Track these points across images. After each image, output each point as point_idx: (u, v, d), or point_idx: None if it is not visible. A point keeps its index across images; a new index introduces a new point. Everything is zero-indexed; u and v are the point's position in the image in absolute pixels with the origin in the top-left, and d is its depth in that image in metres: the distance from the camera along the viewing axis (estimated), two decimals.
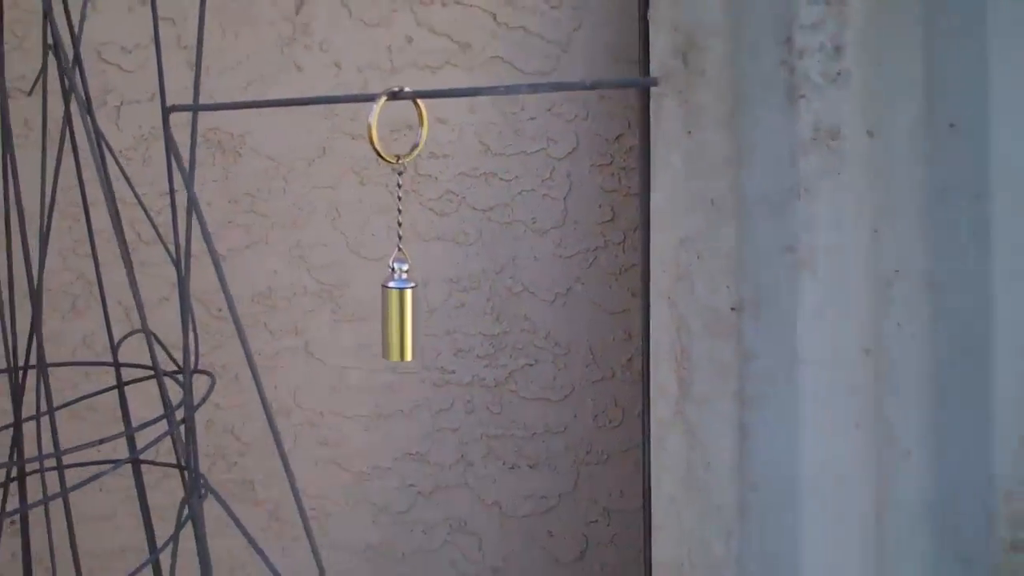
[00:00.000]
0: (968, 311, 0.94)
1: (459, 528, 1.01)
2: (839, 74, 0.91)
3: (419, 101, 0.58)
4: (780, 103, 0.94)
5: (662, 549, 0.95)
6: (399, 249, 0.61)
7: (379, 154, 0.55)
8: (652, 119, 0.97)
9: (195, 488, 0.67)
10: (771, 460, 0.95)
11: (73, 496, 0.73)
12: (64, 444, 0.80)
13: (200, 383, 0.70)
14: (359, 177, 0.94)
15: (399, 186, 0.61)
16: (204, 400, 0.69)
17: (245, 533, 0.63)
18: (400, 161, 0.57)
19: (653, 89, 0.97)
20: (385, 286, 0.62)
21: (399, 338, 0.61)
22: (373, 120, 0.58)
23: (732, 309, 0.98)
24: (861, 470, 0.94)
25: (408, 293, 0.61)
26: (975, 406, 0.95)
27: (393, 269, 0.61)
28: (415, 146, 0.58)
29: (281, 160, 0.95)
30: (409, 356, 0.60)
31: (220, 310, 0.97)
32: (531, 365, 0.99)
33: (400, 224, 0.58)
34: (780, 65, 0.92)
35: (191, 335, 0.68)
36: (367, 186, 0.94)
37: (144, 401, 0.78)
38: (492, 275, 0.97)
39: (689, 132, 0.97)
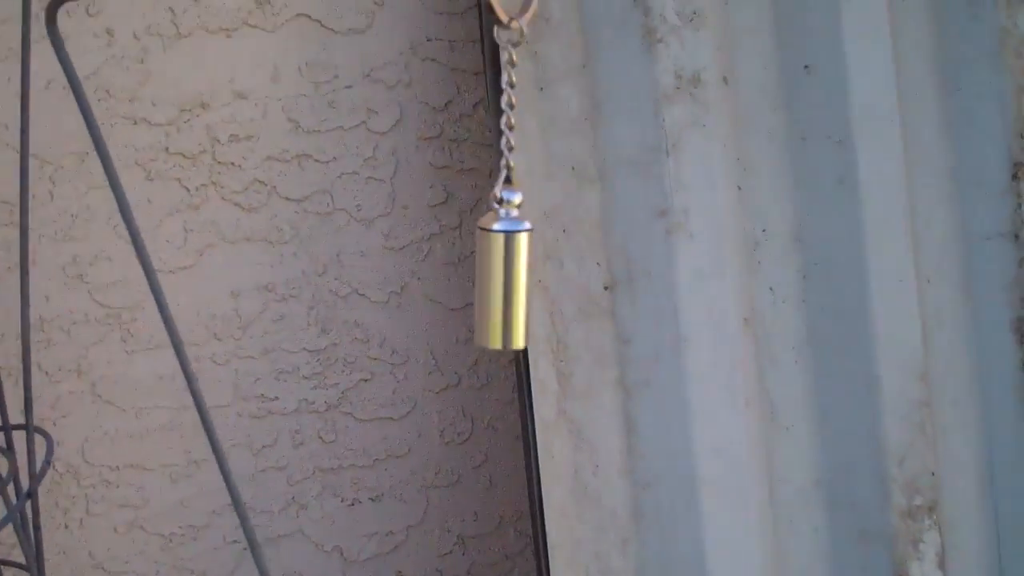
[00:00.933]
0: (840, 266, 1.06)
1: None
2: (695, 14, 1.01)
3: None
4: (636, 49, 1.03)
5: (560, 570, 1.01)
6: (508, 171, 0.52)
7: (493, 9, 0.48)
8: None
9: None
10: (662, 453, 1.04)
11: None
12: None
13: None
14: (145, 171, 0.93)
15: (511, 63, 0.52)
16: (47, 466, 0.66)
17: None
18: (515, 22, 0.51)
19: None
20: (485, 229, 0.52)
21: (505, 312, 0.51)
22: None
23: (605, 287, 1.05)
24: (752, 450, 1.04)
25: (522, 239, 0.51)
26: (858, 371, 1.08)
27: (500, 201, 0.52)
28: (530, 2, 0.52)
29: (45, 156, 0.91)
30: (521, 341, 0.52)
31: None
32: (366, 380, 1.02)
33: (511, 128, 0.50)
34: (633, 5, 1.00)
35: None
36: (156, 181, 0.93)
37: None
38: (314, 278, 0.99)
39: (541, 88, 1.04)
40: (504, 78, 0.51)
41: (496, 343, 0.53)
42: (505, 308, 0.52)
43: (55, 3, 0.60)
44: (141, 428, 1.02)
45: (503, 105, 0.50)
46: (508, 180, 0.51)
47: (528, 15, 0.51)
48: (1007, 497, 1.11)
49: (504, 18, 0.49)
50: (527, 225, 0.52)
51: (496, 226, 0.51)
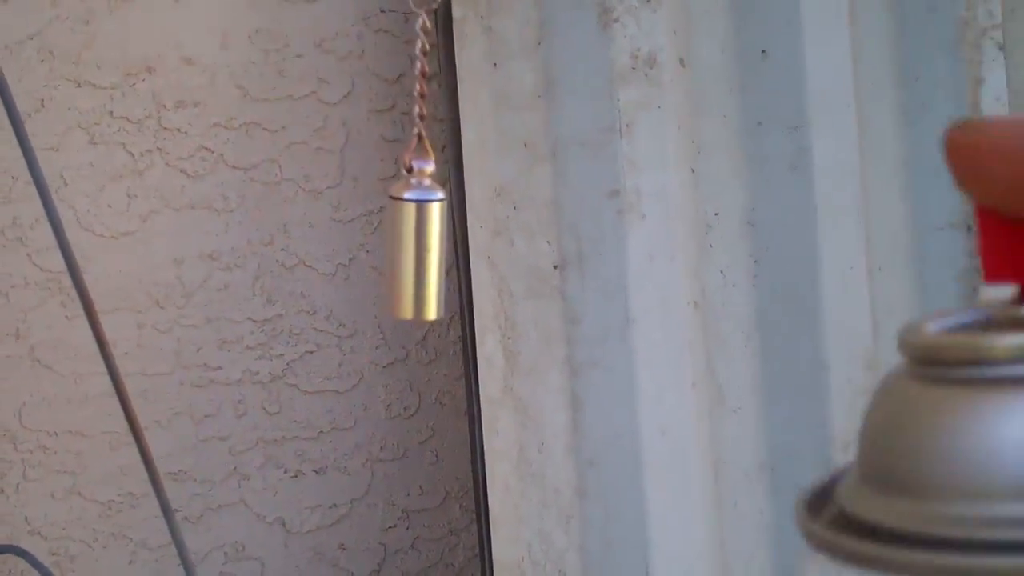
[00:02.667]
0: (791, 252, 1.06)
1: (236, 555, 1.01)
2: None
3: None
4: (592, 28, 1.02)
5: (502, 546, 1.01)
6: (419, 139, 0.51)
7: None
8: (456, 49, 1.02)
9: None
10: (608, 432, 1.04)
11: None
12: None
13: None
14: (88, 134, 0.92)
15: (425, 31, 0.50)
16: None
17: None
18: None
19: (455, 14, 1.01)
20: (396, 197, 0.52)
21: (417, 282, 0.51)
22: None
23: (555, 267, 1.04)
24: (698, 432, 1.04)
25: (434, 208, 0.51)
26: (806, 357, 1.08)
27: (411, 169, 0.51)
28: None
29: None
30: (433, 312, 0.51)
31: None
32: (312, 352, 1.02)
33: (422, 95, 0.49)
34: None
35: None
36: (100, 145, 0.92)
37: None
38: (260, 247, 0.98)
39: (495, 64, 1.03)
40: (418, 45, 0.50)
41: (407, 313, 0.52)
42: (417, 278, 0.51)
43: None
44: (80, 394, 1.01)
45: (416, 71, 0.50)
46: (421, 148, 0.50)
47: None
48: None
49: None
50: (439, 195, 0.51)
51: (407, 195, 0.51)
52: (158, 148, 1.00)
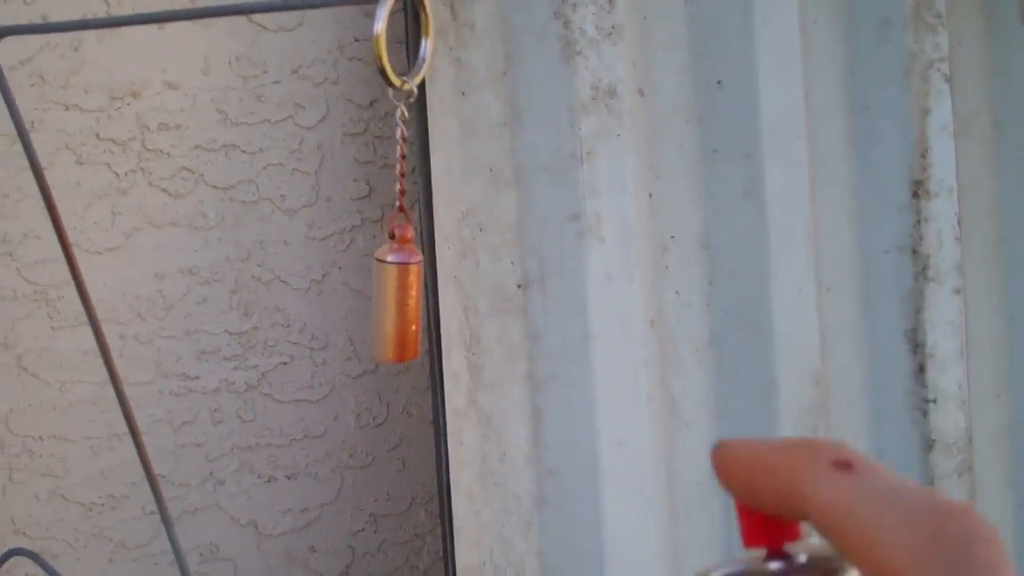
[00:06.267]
0: (744, 273, 1.13)
1: (211, 555, 1.08)
2: (614, 28, 1.07)
3: (425, 3, 0.58)
4: (556, 60, 1.09)
5: (465, 550, 1.08)
6: (400, 209, 0.58)
7: (386, 75, 0.54)
8: (426, 80, 1.08)
9: None
10: (567, 443, 1.11)
11: None
12: None
13: None
14: (76, 155, 0.98)
15: (404, 120, 0.58)
16: None
17: None
18: (407, 85, 0.57)
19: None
20: (381, 260, 0.59)
21: (398, 331, 0.58)
22: (381, 28, 0.55)
23: (518, 286, 1.12)
24: (653, 444, 1.12)
25: (413, 270, 0.58)
26: (757, 374, 1.16)
27: (392, 236, 0.58)
28: (421, 61, 0.57)
29: None
30: (411, 354, 0.59)
31: None
32: (285, 363, 1.08)
33: (402, 174, 0.57)
34: (554, 17, 1.06)
35: None
36: (86, 166, 0.99)
37: None
38: (237, 263, 1.05)
39: (463, 93, 1.10)
40: (398, 132, 0.57)
41: (389, 357, 0.60)
42: (397, 328, 0.59)
43: (1, 32, 0.66)
44: (64, 401, 1.08)
45: (397, 154, 0.57)
46: (402, 218, 0.58)
47: (418, 77, 0.57)
48: None
49: (396, 82, 0.56)
50: (418, 257, 0.59)
51: (390, 258, 0.59)
52: (141, 168, 1.07)
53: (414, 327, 0.60)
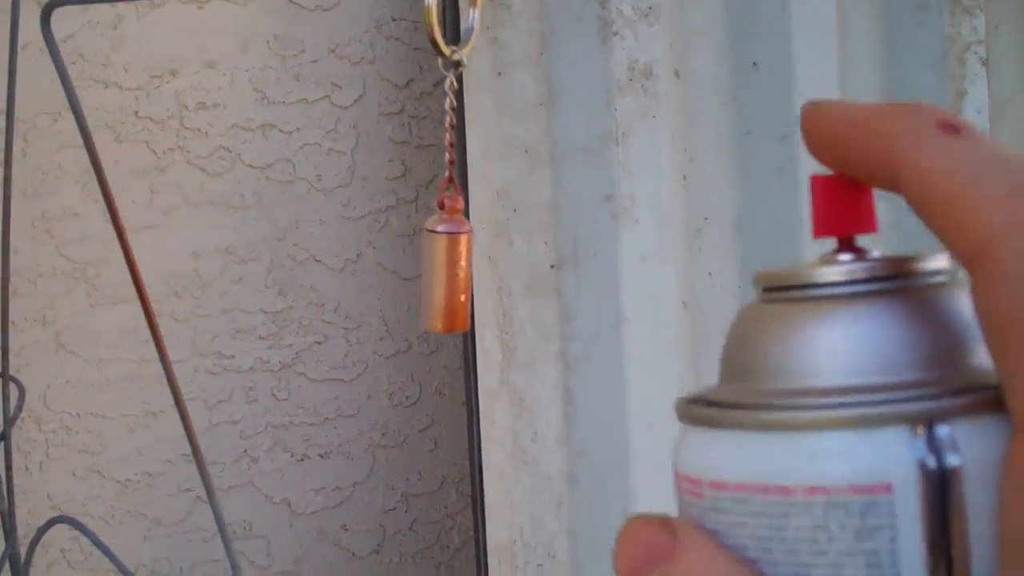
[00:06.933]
0: (777, 256, 1.13)
1: (244, 532, 1.09)
2: (651, 9, 1.07)
3: None
4: (593, 40, 1.09)
5: (496, 529, 1.08)
6: (451, 180, 0.58)
7: (437, 44, 0.54)
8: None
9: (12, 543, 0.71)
10: (598, 424, 1.12)
11: None
12: None
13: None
14: (115, 133, 0.99)
15: (453, 90, 0.58)
16: (19, 411, 0.73)
17: None
18: (456, 54, 0.57)
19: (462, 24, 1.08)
20: (431, 230, 0.58)
21: (448, 300, 0.58)
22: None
23: (552, 266, 1.12)
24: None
25: (462, 240, 0.58)
26: None
27: (442, 206, 0.58)
28: (469, 31, 0.57)
29: (19, 115, 0.97)
30: (461, 325, 0.59)
31: None
32: (319, 343, 1.09)
33: (451, 144, 0.57)
34: None
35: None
36: (124, 144, 1.00)
37: None
38: (273, 242, 1.06)
39: (499, 73, 1.09)
40: (447, 102, 0.58)
41: (439, 327, 0.60)
42: (447, 298, 0.59)
43: (50, 5, 0.66)
44: (102, 378, 1.09)
45: (446, 124, 0.57)
46: (452, 188, 0.58)
47: (467, 47, 0.58)
48: None
49: (447, 52, 0.56)
50: (467, 227, 0.59)
51: (440, 228, 0.59)
52: (180, 147, 1.08)
53: (463, 297, 0.60)
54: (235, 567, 0.69)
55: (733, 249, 1.13)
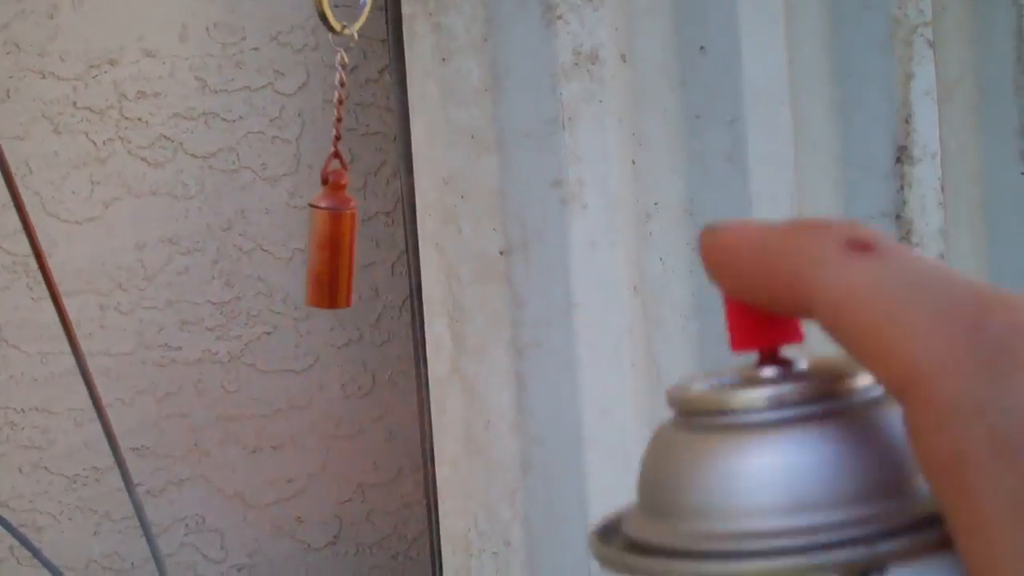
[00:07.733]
0: None
1: (197, 527, 1.08)
2: None
3: None
4: (537, 25, 1.08)
5: (450, 519, 1.07)
6: (336, 155, 0.57)
7: (326, 18, 0.54)
8: (405, 44, 1.07)
9: None
10: (551, 410, 1.11)
11: None
12: None
13: None
14: (53, 124, 0.98)
15: (343, 65, 0.57)
16: None
17: None
18: (347, 30, 0.57)
19: (404, 11, 1.07)
20: (315, 206, 0.59)
21: (331, 277, 0.58)
22: None
23: (501, 253, 1.11)
24: (637, 412, 1.11)
25: (346, 217, 0.58)
26: None
27: (326, 182, 0.58)
28: (363, 5, 0.57)
29: None
30: (344, 302, 0.58)
31: None
32: (269, 333, 1.08)
33: (339, 119, 0.57)
34: None
35: None
36: (64, 135, 0.98)
37: None
38: (218, 232, 1.04)
39: (443, 59, 1.08)
40: (336, 77, 0.57)
41: (321, 303, 0.59)
42: (331, 274, 0.57)
43: None
44: (46, 372, 1.07)
45: (335, 100, 0.57)
46: (337, 164, 0.58)
47: (358, 23, 0.57)
48: None
49: (337, 27, 0.56)
50: (352, 204, 0.58)
51: (324, 204, 0.58)
52: (120, 137, 1.06)
53: (347, 274, 0.60)
54: (159, 561, 0.68)
55: (684, 234, 1.12)
